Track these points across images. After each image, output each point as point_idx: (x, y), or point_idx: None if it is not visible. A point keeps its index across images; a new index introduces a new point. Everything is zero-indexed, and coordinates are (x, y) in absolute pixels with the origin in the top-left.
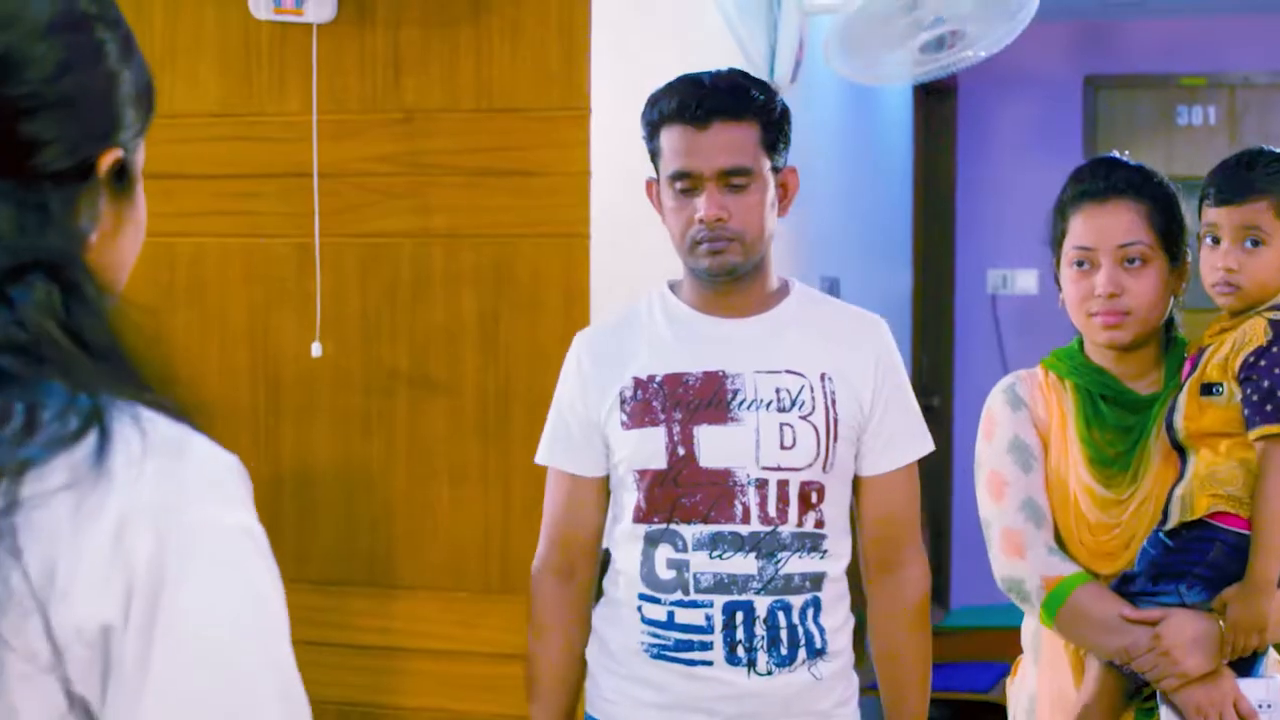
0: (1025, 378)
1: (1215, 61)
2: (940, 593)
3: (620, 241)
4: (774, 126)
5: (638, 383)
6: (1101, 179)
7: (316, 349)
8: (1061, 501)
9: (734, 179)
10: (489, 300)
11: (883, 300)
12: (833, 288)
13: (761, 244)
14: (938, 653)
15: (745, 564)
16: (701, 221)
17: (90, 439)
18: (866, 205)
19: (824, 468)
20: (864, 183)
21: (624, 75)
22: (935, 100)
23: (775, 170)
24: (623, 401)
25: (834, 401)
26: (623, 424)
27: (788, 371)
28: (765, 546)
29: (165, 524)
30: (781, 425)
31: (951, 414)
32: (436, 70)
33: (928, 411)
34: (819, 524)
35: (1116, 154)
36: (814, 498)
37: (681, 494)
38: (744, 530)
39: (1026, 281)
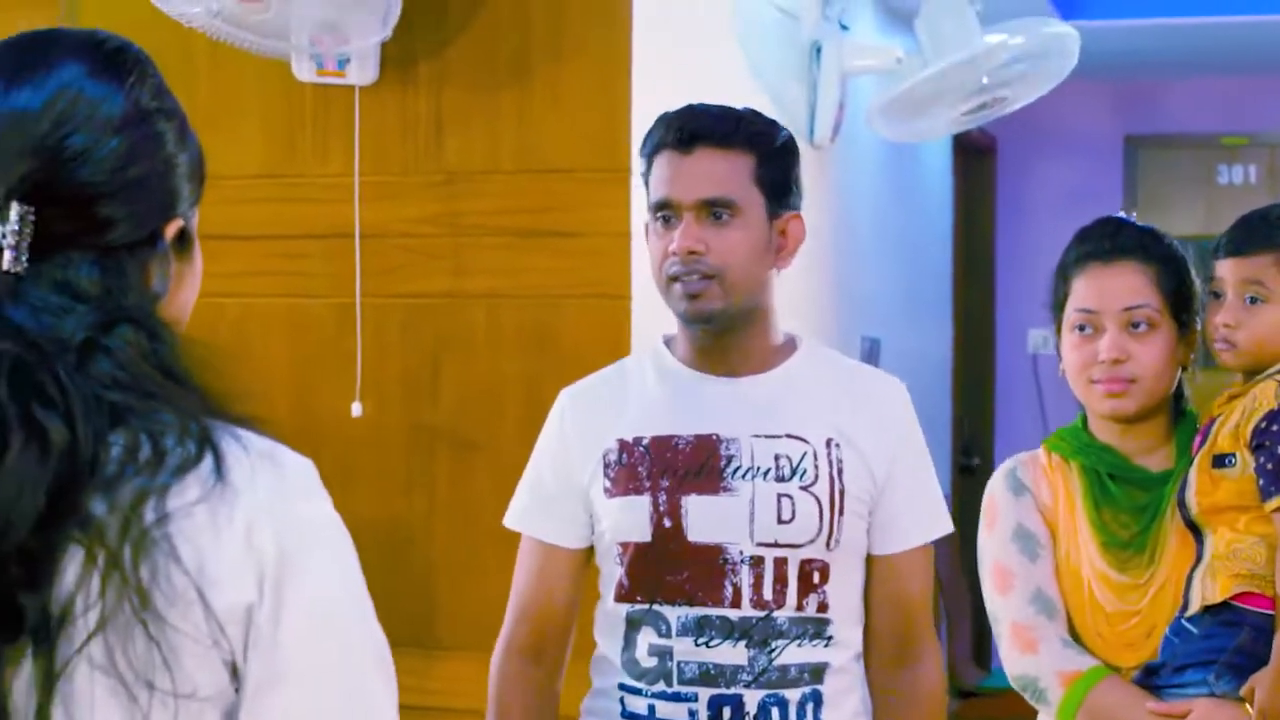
0: (1027, 461)
1: (1256, 121)
2: (981, 653)
3: (661, 303)
4: (772, 161)
5: (623, 445)
6: (1107, 239)
7: (357, 409)
8: (1074, 591)
9: (715, 209)
10: (530, 361)
11: (923, 360)
12: (874, 348)
13: (747, 289)
14: (979, 714)
15: (734, 653)
16: (674, 254)
17: (208, 458)
18: (907, 265)
19: (828, 544)
20: (904, 242)
21: None
22: (975, 159)
23: (774, 214)
24: (606, 466)
25: (840, 470)
26: (606, 491)
27: (789, 436)
28: (758, 634)
29: (281, 520)
30: (780, 496)
31: (991, 474)
32: (478, 132)
33: (968, 472)
34: (822, 607)
35: (1124, 214)
36: (816, 578)
37: (666, 571)
38: (733, 615)
39: None
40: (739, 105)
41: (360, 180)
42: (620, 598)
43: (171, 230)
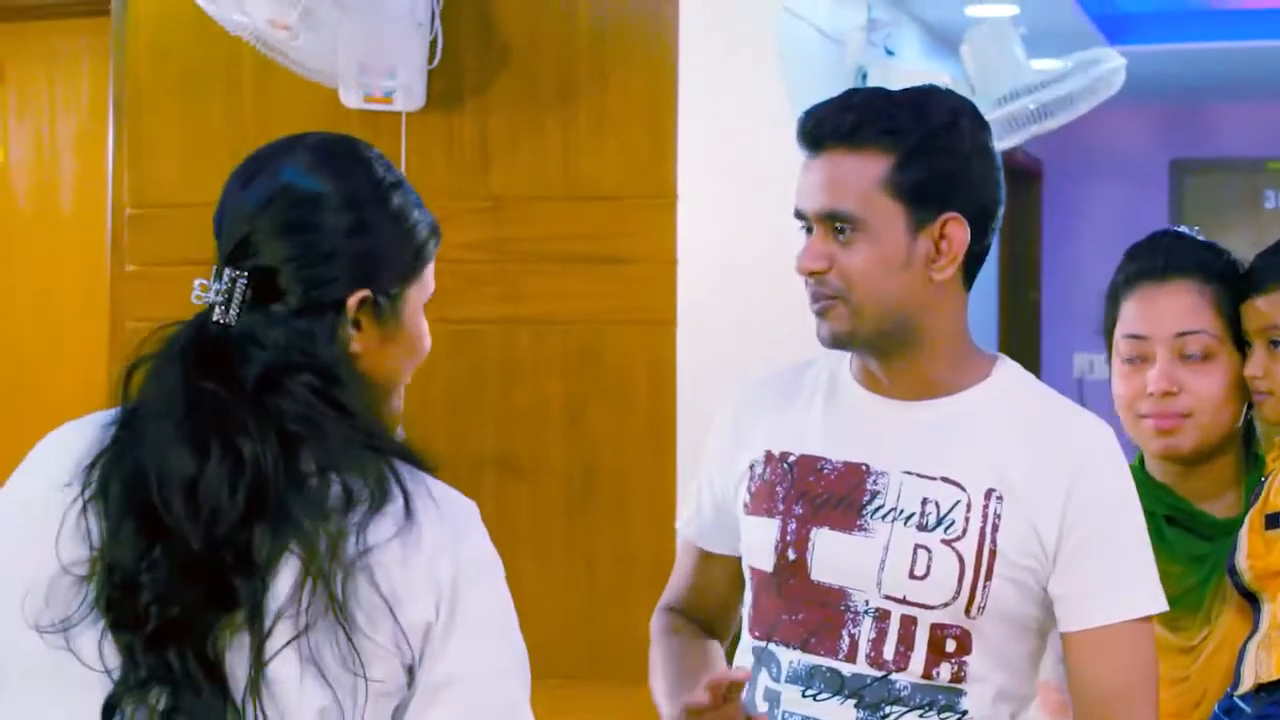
0: None
1: None
2: None
3: (708, 328)
4: (916, 161)
5: (769, 459)
6: (1160, 255)
7: (400, 433)
8: None
9: (836, 222)
10: (575, 386)
11: None
12: None
13: (881, 310)
14: None
15: (841, 712)
16: (798, 270)
17: (399, 499)
18: None
19: (968, 611)
20: None
21: (711, 162)
22: (1021, 183)
23: (921, 222)
24: (750, 479)
25: (996, 528)
26: (745, 506)
27: (944, 480)
28: (870, 696)
29: (455, 554)
30: (916, 547)
31: None
32: (524, 158)
33: None
34: (957, 679)
35: (1184, 229)
36: (950, 646)
37: (784, 608)
38: (846, 669)
39: None
40: (786, 133)
41: None
42: (749, 628)
43: (353, 300)
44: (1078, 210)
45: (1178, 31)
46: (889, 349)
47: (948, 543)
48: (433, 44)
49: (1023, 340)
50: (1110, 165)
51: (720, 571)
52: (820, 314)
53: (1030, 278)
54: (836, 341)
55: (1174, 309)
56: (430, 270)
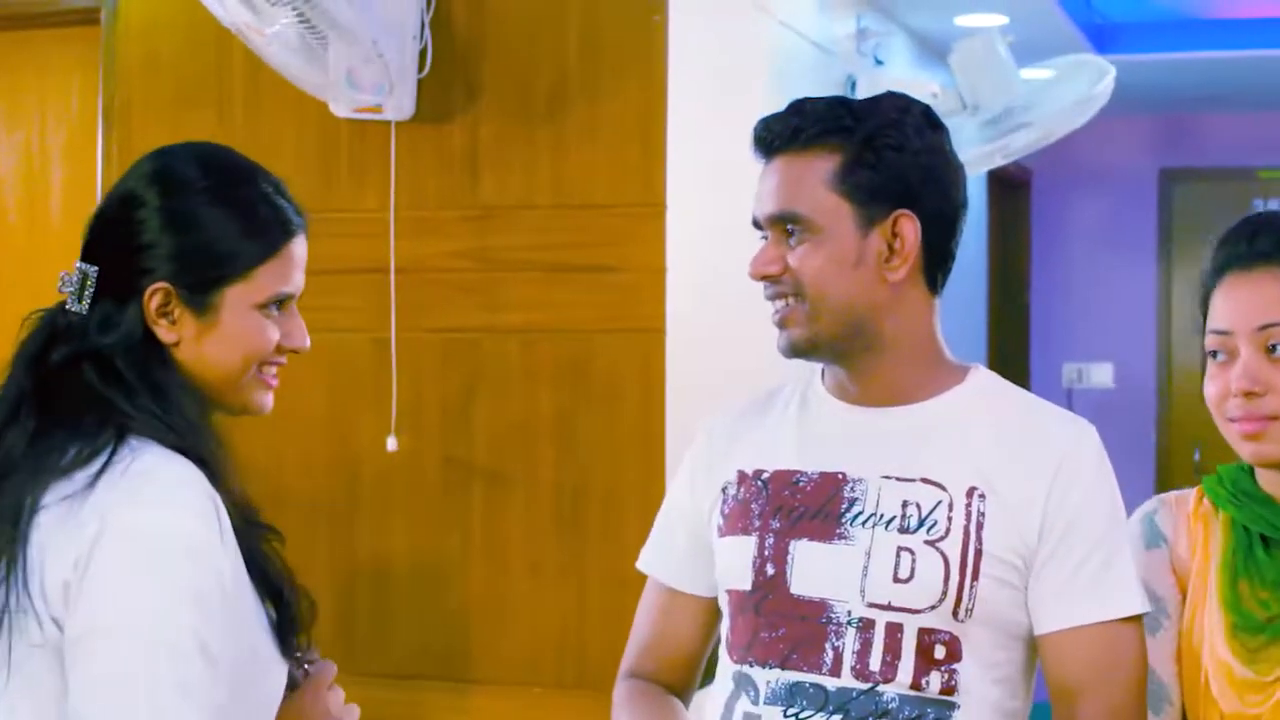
0: (1173, 503)
1: None
2: None
3: (697, 337)
4: (865, 157)
5: (741, 478)
6: (1245, 241)
7: (392, 443)
8: (1191, 678)
9: (786, 225)
10: (565, 395)
11: None
12: None
13: (839, 312)
14: None
15: None
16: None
17: (97, 465)
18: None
19: (955, 613)
20: None
21: (700, 172)
22: (1009, 193)
23: (871, 219)
24: (724, 501)
25: (980, 525)
26: (719, 529)
27: (923, 481)
28: (857, 710)
29: (111, 517)
30: (899, 550)
31: None
32: (514, 167)
33: None
34: (948, 690)
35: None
36: (939, 653)
37: (763, 627)
38: (830, 684)
39: (1102, 375)
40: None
41: (396, 215)
42: (728, 652)
43: (149, 294)
44: (1067, 219)
45: (1167, 41)
46: (852, 354)
47: (931, 543)
48: (422, 54)
49: (1012, 349)
50: (1099, 174)
51: (688, 616)
52: (780, 323)
53: (1019, 287)
54: (796, 350)
55: (1258, 299)
56: (272, 270)
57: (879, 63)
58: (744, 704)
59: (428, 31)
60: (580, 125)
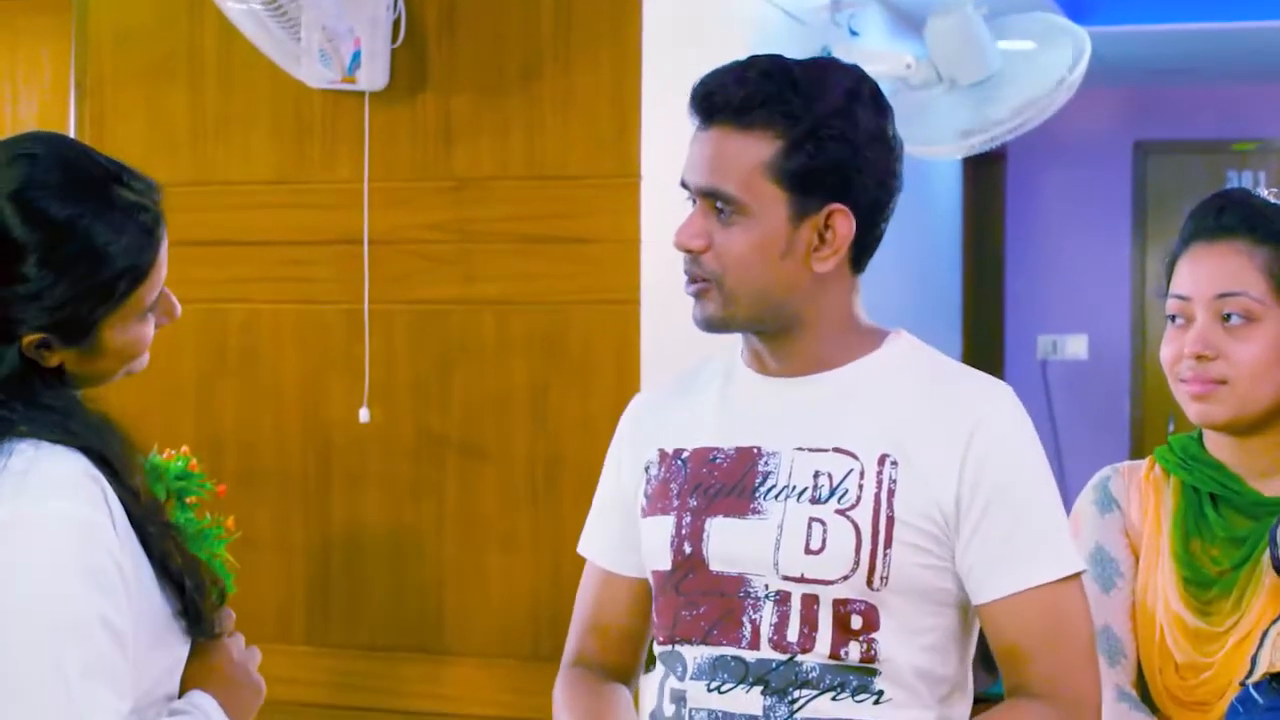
0: (1125, 471)
1: (1266, 126)
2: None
3: (672, 308)
4: (804, 146)
5: (662, 457)
6: (1212, 215)
7: (364, 414)
8: (1146, 633)
9: (716, 201)
10: (539, 367)
11: None
12: None
13: (755, 299)
14: None
15: (747, 700)
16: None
17: None
18: (916, 272)
19: (870, 582)
20: (913, 250)
21: (675, 143)
22: (984, 167)
23: (803, 212)
24: (647, 481)
25: (892, 493)
26: (642, 509)
27: (835, 450)
28: (776, 680)
29: None
30: (810, 521)
31: None
32: (487, 138)
33: None
34: (867, 659)
35: (1253, 188)
36: (855, 623)
37: (684, 605)
38: (749, 656)
39: (1077, 347)
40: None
41: (369, 186)
42: (655, 635)
43: (27, 344)
44: (1041, 192)
45: (1141, 13)
46: (768, 332)
47: (842, 512)
48: (396, 24)
49: (986, 322)
50: (1073, 147)
51: (625, 597)
52: (694, 295)
53: (993, 259)
54: (710, 325)
55: (1217, 269)
56: (146, 286)
57: (854, 34)
58: (671, 680)
59: (401, 3)
60: (554, 96)
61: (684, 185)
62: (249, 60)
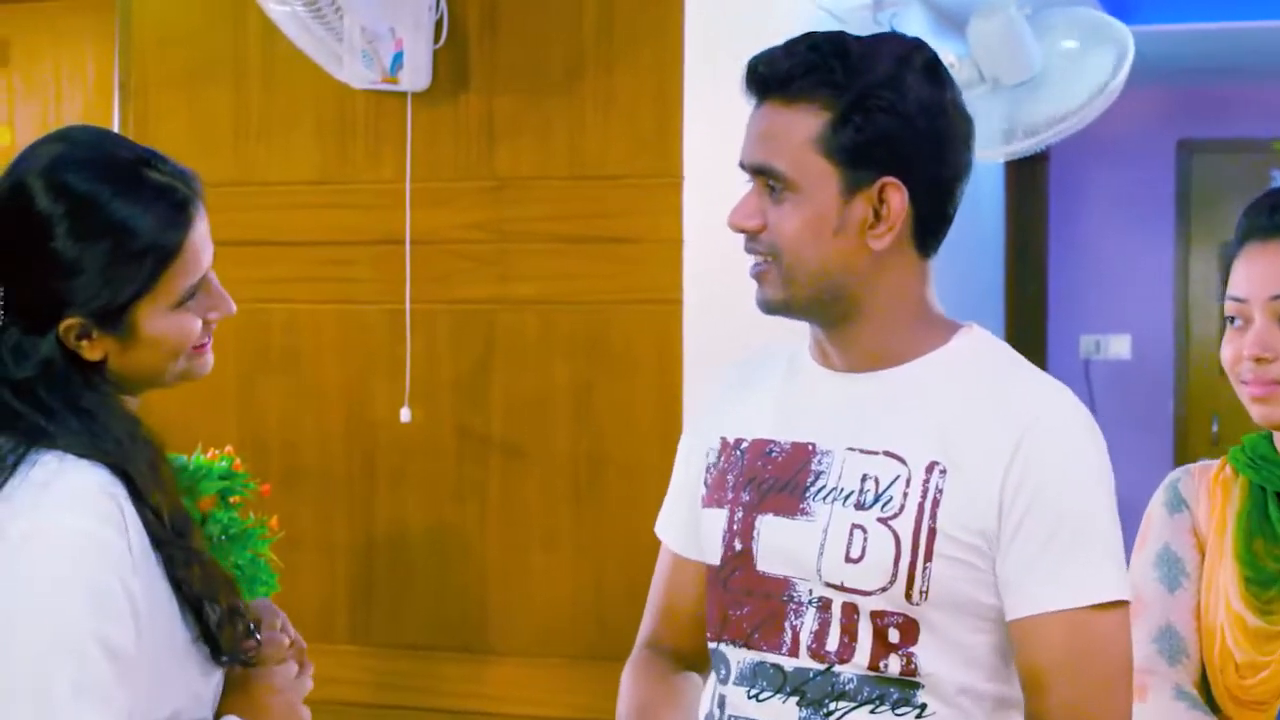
0: (1195, 472)
1: None
2: None
3: (714, 308)
4: (854, 117)
5: (724, 446)
6: (1265, 213)
7: (406, 414)
8: (1209, 633)
9: (767, 178)
10: (581, 367)
11: None
12: None
13: (814, 277)
14: None
15: (783, 711)
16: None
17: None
18: (958, 271)
19: (909, 596)
20: (955, 248)
21: (717, 142)
22: (1026, 166)
23: (856, 185)
24: (708, 469)
25: (936, 503)
26: (702, 499)
27: (885, 454)
28: (812, 691)
29: (5, 524)
30: (853, 527)
31: None
32: (529, 138)
33: None
34: (908, 672)
35: None
36: (893, 636)
37: (731, 604)
38: (788, 664)
39: (1120, 346)
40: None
41: (411, 186)
42: (707, 632)
43: (64, 329)
44: (1084, 192)
45: (1185, 12)
46: (829, 319)
47: (884, 521)
48: (438, 24)
49: (1029, 321)
50: (1116, 147)
51: (694, 582)
52: (756, 278)
53: (1036, 259)
54: (770, 308)
55: (1271, 270)
56: (178, 270)
57: None
58: (714, 682)
59: (443, 3)
60: (596, 96)
61: (741, 166)
62: (292, 61)
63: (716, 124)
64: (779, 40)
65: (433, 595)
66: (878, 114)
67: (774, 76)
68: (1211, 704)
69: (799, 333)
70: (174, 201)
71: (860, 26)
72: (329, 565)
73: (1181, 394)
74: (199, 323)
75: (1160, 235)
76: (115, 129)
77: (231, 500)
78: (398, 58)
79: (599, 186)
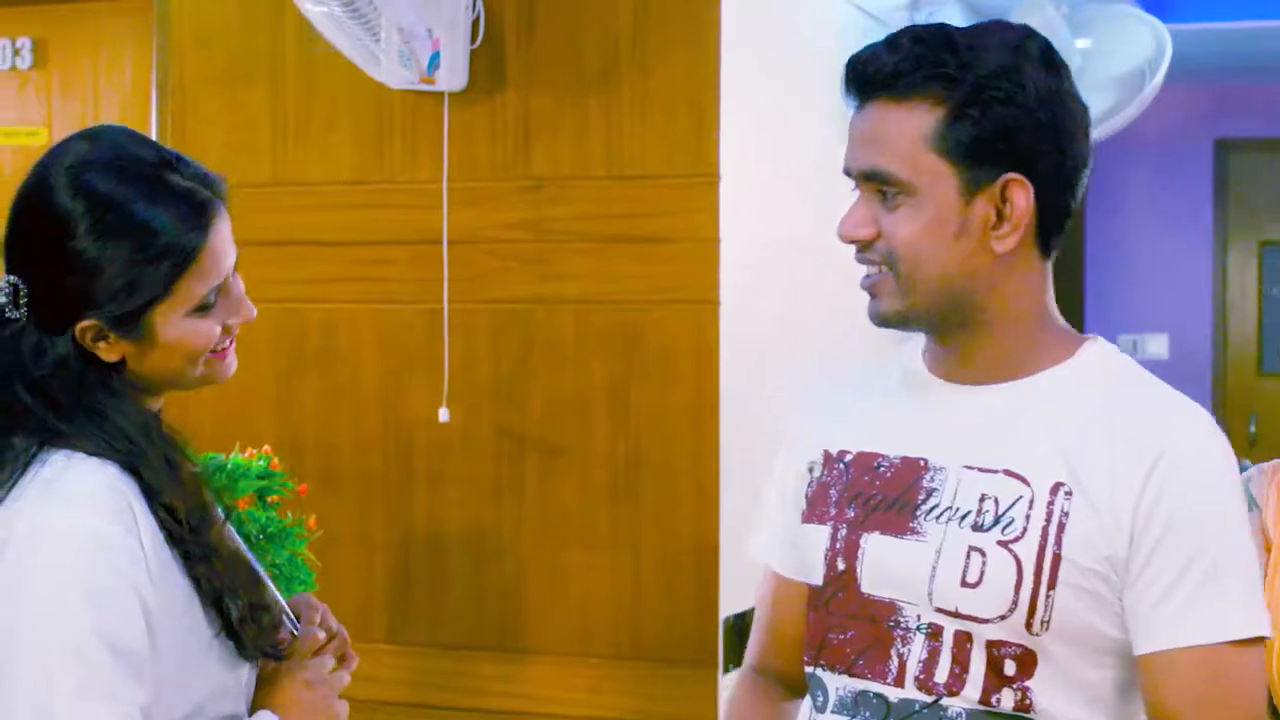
0: (1269, 470)
1: None
2: None
3: (750, 308)
4: (970, 111)
5: (826, 459)
6: None
7: (444, 414)
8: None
9: (879, 184)
10: (618, 367)
11: None
12: None
13: (934, 284)
14: None
15: None
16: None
17: (12, 475)
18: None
19: (1029, 626)
20: None
21: (753, 142)
22: None
23: (977, 184)
24: (808, 483)
25: (1062, 528)
26: (802, 514)
27: (1006, 473)
28: None
29: (13, 521)
30: (970, 550)
31: None
32: (566, 138)
33: None
34: (1022, 707)
35: None
36: (1009, 668)
37: (832, 627)
38: (892, 695)
39: (1158, 346)
40: (829, 114)
41: (449, 186)
42: (804, 655)
43: (80, 330)
44: (1121, 191)
45: (1222, 10)
46: (948, 328)
47: (1004, 544)
48: (475, 24)
49: (1067, 320)
50: (1153, 145)
51: (796, 603)
52: (869, 290)
53: (1074, 258)
54: (884, 320)
55: None
56: (195, 274)
57: None
58: (809, 710)
59: (480, 3)
60: (633, 95)
61: (846, 174)
62: (329, 62)
63: (753, 123)
64: (815, 41)
65: (470, 595)
66: (996, 106)
67: (878, 74)
68: (1270, 705)
69: (839, 336)
70: (194, 204)
71: (897, 26)
72: (367, 565)
73: (1219, 393)
74: (218, 328)
75: (1198, 234)
76: (153, 130)
77: (269, 500)
78: (435, 58)
79: (635, 186)
